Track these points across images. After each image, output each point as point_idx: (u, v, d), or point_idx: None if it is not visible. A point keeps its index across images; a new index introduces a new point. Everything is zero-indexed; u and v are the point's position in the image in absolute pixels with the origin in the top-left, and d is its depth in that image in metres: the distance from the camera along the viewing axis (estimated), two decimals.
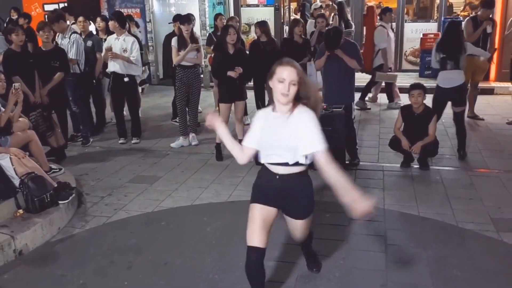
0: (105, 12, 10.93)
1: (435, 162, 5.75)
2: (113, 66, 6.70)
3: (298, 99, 2.79)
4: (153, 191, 5.23)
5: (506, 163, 5.77)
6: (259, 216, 2.89)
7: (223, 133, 2.97)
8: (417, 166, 5.65)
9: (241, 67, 5.86)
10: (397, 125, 5.70)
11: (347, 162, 5.75)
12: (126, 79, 6.72)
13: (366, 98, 8.81)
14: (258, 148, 2.89)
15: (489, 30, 7.40)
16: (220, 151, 6.19)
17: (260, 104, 7.55)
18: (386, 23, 8.51)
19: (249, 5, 12.25)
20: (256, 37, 7.74)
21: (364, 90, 8.70)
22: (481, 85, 7.92)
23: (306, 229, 3.10)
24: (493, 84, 9.79)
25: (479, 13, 7.50)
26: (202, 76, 7.37)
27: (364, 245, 3.96)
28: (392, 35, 8.81)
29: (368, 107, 8.68)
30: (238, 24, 8.12)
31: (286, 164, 2.81)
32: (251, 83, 7.53)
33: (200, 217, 4.58)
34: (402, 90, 8.12)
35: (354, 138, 5.94)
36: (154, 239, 4.18)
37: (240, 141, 6.12)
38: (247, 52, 7.44)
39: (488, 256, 3.74)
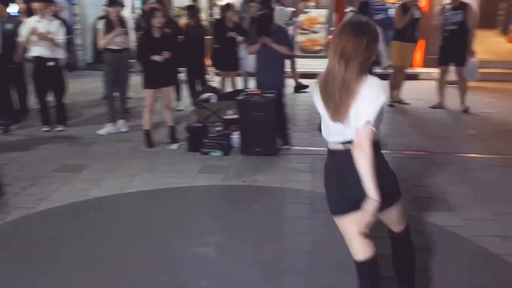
0: None
1: None
2: (37, 50, 6.34)
3: None
4: (79, 180, 5.02)
5: (430, 145, 6.05)
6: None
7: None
8: None
9: (168, 52, 5.71)
10: None
11: (278, 146, 5.80)
12: (51, 63, 6.40)
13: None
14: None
15: (417, 15, 7.71)
16: (149, 138, 6.05)
17: (191, 88, 7.47)
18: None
19: None
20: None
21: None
22: (406, 70, 8.24)
23: None
24: (418, 69, 10.20)
25: None
26: (132, 61, 7.11)
27: (295, 227, 4.02)
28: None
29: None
30: (169, 6, 7.93)
31: None
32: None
33: (129, 207, 4.47)
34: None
35: (285, 122, 5.99)
36: (80, 231, 4.01)
37: (170, 127, 6.08)
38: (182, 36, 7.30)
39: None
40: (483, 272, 3.39)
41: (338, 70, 2.31)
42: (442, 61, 7.68)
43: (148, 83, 5.87)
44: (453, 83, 7.77)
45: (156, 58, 5.66)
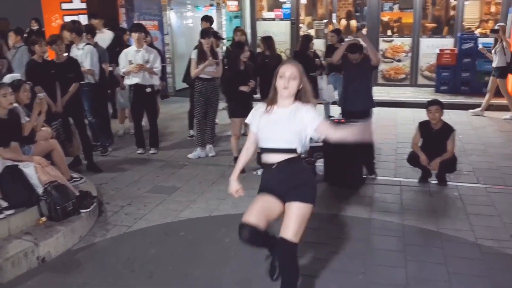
0: (124, 24, 11.08)
1: (453, 178, 5.73)
2: (135, 79, 6.78)
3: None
4: (171, 202, 5.28)
5: None
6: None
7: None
8: (435, 181, 5.64)
9: (253, 81, 6.04)
10: (415, 140, 5.70)
11: (364, 176, 5.77)
12: (148, 90, 6.84)
13: None
14: None
15: None
16: None
17: None
18: None
19: (265, 19, 12.40)
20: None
21: None
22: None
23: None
24: None
25: None
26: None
27: (383, 260, 3.97)
28: None
29: None
30: (244, 36, 8.14)
31: None
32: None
33: (218, 228, 4.62)
34: (419, 105, 8.11)
35: (372, 151, 5.94)
36: (173, 250, 4.22)
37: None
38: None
39: (509, 274, 3.73)
40: None
41: None
42: None
43: (236, 112, 6.13)
44: None
45: (243, 88, 5.97)
